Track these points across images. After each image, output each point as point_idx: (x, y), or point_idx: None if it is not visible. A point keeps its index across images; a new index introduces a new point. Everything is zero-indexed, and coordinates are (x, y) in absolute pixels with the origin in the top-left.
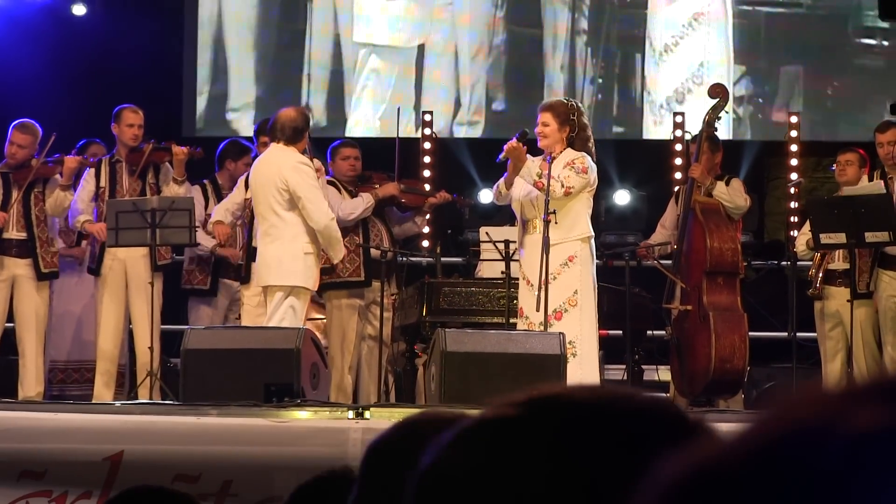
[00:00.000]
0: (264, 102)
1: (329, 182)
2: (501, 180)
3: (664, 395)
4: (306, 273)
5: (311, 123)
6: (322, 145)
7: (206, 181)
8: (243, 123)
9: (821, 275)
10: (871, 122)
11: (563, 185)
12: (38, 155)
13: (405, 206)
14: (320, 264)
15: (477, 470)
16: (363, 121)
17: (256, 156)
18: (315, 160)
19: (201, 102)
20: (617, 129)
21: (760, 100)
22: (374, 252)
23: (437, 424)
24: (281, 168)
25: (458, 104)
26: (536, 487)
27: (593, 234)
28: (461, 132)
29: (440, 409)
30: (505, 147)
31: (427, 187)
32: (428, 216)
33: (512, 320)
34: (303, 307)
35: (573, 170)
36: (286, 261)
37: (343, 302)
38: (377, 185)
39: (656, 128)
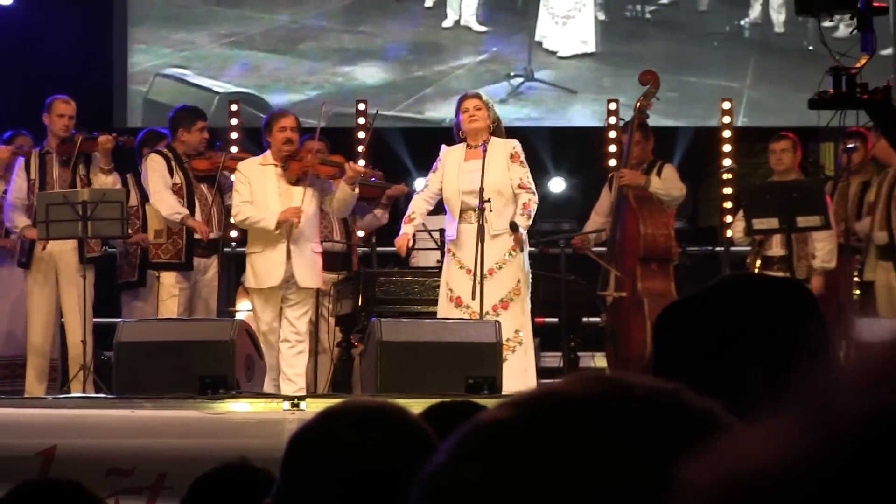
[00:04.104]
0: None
1: None
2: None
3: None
4: (249, 273)
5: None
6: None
7: (128, 174)
8: None
9: (758, 261)
10: None
11: (534, 194)
12: None
13: (363, 198)
14: (266, 262)
15: (475, 477)
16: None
17: (169, 143)
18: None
19: (132, 92)
20: None
21: None
22: (326, 244)
23: (359, 414)
24: None
25: None
26: (533, 493)
27: None
28: None
29: (362, 399)
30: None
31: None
32: (388, 208)
33: (431, 308)
34: (257, 305)
35: (522, 165)
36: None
37: None
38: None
39: None
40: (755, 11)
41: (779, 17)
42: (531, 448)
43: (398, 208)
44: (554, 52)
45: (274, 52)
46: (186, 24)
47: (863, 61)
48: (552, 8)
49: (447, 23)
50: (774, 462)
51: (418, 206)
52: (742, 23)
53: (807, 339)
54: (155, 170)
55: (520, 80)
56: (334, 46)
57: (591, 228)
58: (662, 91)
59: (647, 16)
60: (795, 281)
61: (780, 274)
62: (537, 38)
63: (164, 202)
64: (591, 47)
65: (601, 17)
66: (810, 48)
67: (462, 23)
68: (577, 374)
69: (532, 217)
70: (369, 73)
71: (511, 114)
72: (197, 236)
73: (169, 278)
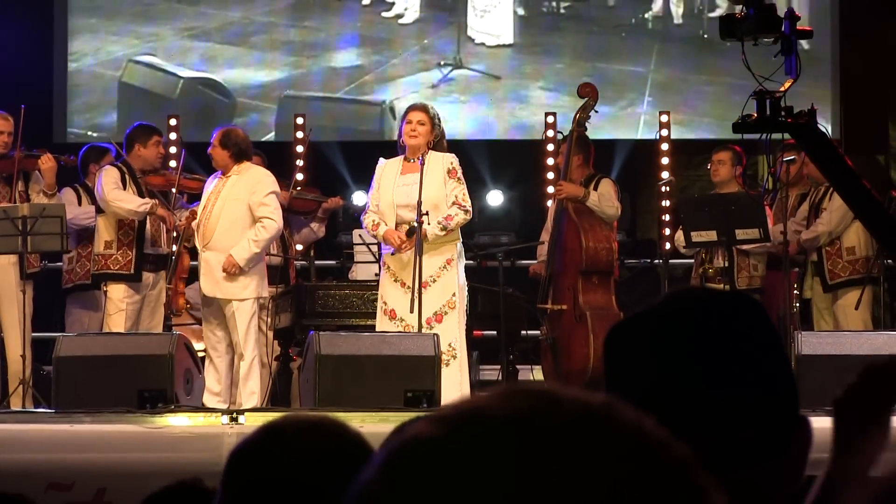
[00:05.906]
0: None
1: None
2: (378, 229)
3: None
4: None
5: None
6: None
7: (77, 185)
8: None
9: (701, 272)
10: None
11: (466, 212)
12: None
13: (298, 212)
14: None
15: (399, 496)
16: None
17: (117, 155)
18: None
19: (72, 108)
20: None
21: None
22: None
23: (299, 428)
24: None
25: None
26: None
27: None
28: None
29: (303, 413)
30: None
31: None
32: (325, 221)
33: (370, 322)
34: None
35: (459, 181)
36: None
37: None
38: None
39: None
40: (657, 5)
41: (678, 10)
42: (455, 467)
43: (335, 221)
44: (481, 44)
45: (229, 45)
46: (152, 18)
47: (787, 85)
48: (475, 5)
49: (386, 16)
50: None
51: (374, 218)
52: (646, 16)
53: (759, 352)
54: (109, 175)
55: (449, 67)
56: (282, 39)
57: (544, 251)
58: (579, 76)
59: (562, 11)
60: (745, 294)
61: (720, 286)
62: (466, 31)
63: (125, 199)
64: (511, 39)
65: (520, 12)
66: (706, 36)
67: (399, 17)
68: (506, 389)
69: (449, 230)
70: (313, 63)
71: (441, 97)
72: (155, 251)
73: (117, 292)
